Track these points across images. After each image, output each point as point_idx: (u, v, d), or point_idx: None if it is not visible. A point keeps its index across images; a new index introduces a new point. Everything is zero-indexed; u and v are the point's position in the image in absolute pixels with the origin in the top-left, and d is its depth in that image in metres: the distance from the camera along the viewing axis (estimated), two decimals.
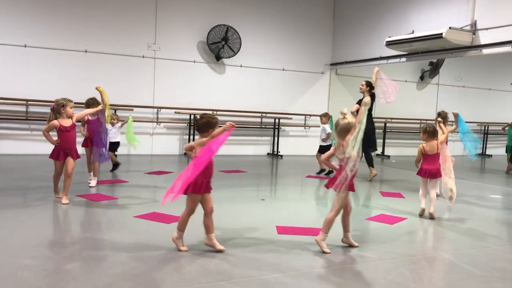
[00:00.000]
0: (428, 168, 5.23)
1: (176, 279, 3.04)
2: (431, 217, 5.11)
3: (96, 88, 5.90)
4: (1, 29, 8.80)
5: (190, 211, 3.66)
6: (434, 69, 11.35)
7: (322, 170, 8.21)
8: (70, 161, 5.10)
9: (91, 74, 9.49)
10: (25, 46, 8.98)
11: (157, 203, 5.33)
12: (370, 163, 7.92)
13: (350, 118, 3.80)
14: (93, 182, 6.10)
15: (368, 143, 7.43)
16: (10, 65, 8.89)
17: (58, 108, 5.07)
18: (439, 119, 5.73)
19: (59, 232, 4.09)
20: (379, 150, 12.22)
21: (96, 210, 4.84)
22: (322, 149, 8.03)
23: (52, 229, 4.09)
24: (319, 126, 11.99)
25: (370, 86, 7.69)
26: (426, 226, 4.90)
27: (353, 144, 3.62)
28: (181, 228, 3.65)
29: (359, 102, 7.58)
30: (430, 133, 5.25)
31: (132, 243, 3.79)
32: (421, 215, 5.21)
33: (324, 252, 3.71)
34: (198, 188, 3.55)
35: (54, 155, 5.12)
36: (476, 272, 3.46)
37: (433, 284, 3.18)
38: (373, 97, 7.50)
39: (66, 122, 5.09)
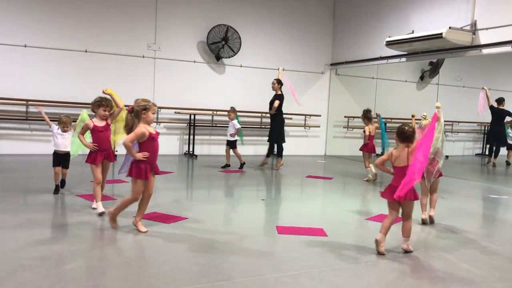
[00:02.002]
0: None
1: (176, 279, 3.04)
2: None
3: (104, 92, 4.78)
4: (1, 29, 8.82)
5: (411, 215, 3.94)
6: (434, 69, 11.36)
7: (227, 165, 8.62)
8: (153, 180, 4.21)
9: (91, 74, 9.50)
10: (25, 46, 8.98)
11: (157, 203, 5.33)
12: (280, 154, 8.83)
13: (428, 119, 4.80)
14: (101, 207, 4.71)
15: (281, 136, 8.69)
16: (10, 65, 8.89)
17: (139, 111, 4.06)
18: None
19: (59, 232, 4.08)
20: (379, 150, 12.18)
21: (96, 210, 4.83)
22: (231, 143, 8.71)
23: (52, 229, 4.09)
24: (319, 126, 12.07)
25: (280, 84, 8.68)
26: (426, 226, 4.90)
27: (439, 139, 4.62)
28: (386, 232, 3.85)
29: (277, 98, 8.62)
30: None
31: (132, 243, 3.79)
32: None
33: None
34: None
35: (142, 173, 4.01)
36: (476, 272, 3.46)
37: (433, 285, 3.18)
38: (282, 96, 8.68)
39: (152, 129, 4.10)
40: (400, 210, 3.95)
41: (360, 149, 7.91)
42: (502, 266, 3.65)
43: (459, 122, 12.25)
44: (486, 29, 8.13)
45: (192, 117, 10.22)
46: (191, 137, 10.28)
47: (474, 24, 8.33)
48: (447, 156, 11.95)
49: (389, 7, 10.49)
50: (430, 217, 4.79)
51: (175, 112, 10.25)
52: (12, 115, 8.88)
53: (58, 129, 5.53)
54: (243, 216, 5.00)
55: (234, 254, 3.62)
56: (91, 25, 9.52)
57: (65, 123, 5.48)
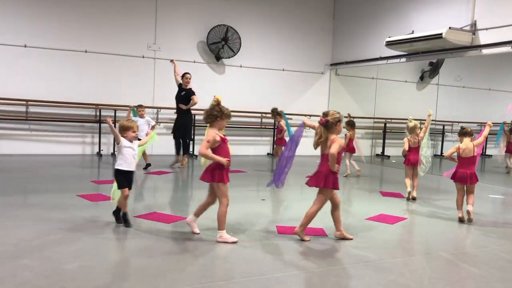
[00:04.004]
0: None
1: (176, 279, 3.03)
2: (414, 198, 6.12)
3: (216, 99, 4.03)
4: (1, 29, 8.81)
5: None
6: (434, 69, 11.37)
7: (148, 165, 8.01)
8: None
9: (91, 75, 9.52)
10: (25, 46, 8.97)
11: (157, 203, 5.33)
12: (186, 150, 8.69)
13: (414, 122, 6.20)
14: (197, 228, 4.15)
15: (185, 132, 8.53)
16: (10, 65, 8.89)
17: (334, 123, 3.98)
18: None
19: (59, 232, 4.08)
20: (379, 150, 12.20)
21: (96, 211, 4.83)
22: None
23: (52, 230, 4.08)
24: None
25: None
26: (426, 226, 4.90)
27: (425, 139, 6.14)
28: (462, 207, 5.04)
29: (194, 94, 8.34)
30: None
31: (132, 243, 3.79)
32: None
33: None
34: None
35: (337, 183, 4.04)
36: (476, 272, 3.46)
37: (433, 284, 3.18)
38: (192, 90, 8.42)
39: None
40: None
41: (277, 143, 8.64)
42: (502, 266, 3.64)
43: (458, 122, 12.26)
44: (486, 29, 8.14)
45: (192, 117, 10.20)
46: (192, 137, 10.26)
47: (474, 24, 8.34)
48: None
49: (389, 7, 10.51)
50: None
51: (175, 113, 10.24)
52: (12, 115, 8.86)
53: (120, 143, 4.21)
54: (243, 216, 5.00)
55: (234, 254, 3.62)
56: (91, 25, 9.52)
57: (137, 128, 4.31)
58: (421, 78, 11.93)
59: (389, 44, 9.44)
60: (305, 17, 11.79)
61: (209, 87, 10.79)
